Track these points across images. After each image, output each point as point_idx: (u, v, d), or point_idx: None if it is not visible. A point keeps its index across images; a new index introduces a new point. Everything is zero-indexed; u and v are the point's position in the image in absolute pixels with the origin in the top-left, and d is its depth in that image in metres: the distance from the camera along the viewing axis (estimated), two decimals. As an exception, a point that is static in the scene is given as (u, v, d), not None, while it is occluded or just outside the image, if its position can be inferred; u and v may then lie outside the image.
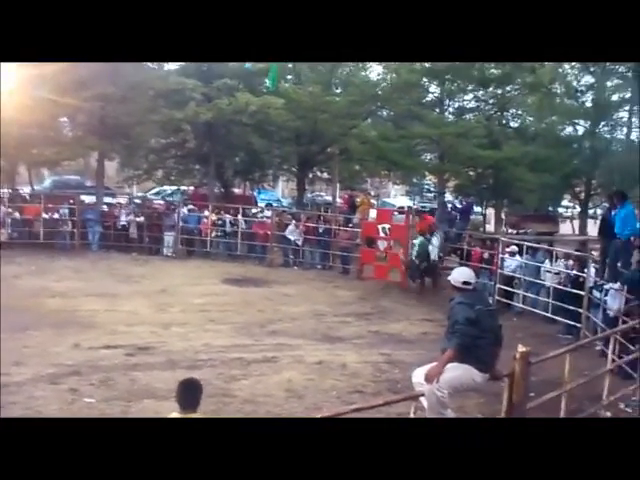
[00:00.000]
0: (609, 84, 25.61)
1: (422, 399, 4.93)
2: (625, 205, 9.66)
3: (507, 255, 13.03)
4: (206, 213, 17.79)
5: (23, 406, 6.37)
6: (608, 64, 23.96)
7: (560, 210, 30.19)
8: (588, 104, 26.14)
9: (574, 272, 11.18)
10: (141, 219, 17.72)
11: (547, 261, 12.29)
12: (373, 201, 27.45)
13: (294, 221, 17.09)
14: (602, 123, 26.33)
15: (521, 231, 24.24)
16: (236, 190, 26.99)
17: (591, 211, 27.03)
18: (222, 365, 8.12)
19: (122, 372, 7.66)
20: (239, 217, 17.45)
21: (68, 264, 14.88)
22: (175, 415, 3.71)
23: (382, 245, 15.69)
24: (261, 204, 26.37)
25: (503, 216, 27.34)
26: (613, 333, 7.04)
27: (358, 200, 21.69)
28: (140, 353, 8.51)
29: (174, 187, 26.12)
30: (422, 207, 30.63)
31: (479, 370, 4.94)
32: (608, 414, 6.42)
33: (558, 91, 25.94)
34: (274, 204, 28.55)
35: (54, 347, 8.46)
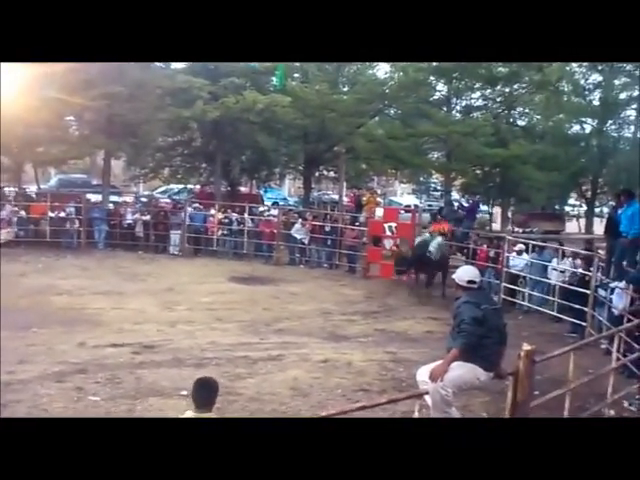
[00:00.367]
0: (617, 82, 25.51)
1: (426, 397, 4.94)
2: (632, 203, 9.62)
3: (514, 254, 13.00)
4: (212, 212, 17.83)
5: (28, 404, 6.40)
6: (616, 63, 23.84)
7: (567, 209, 30.08)
8: (595, 102, 26.06)
9: (580, 271, 11.15)
10: (147, 218, 17.79)
11: (554, 259, 12.26)
12: (379, 199, 27.43)
13: (300, 220, 17.11)
14: (609, 121, 26.25)
15: (527, 229, 24.20)
16: (242, 189, 27.05)
17: (597, 210, 26.94)
18: (228, 363, 8.14)
19: (128, 370, 7.69)
20: (245, 215, 17.49)
21: (74, 262, 14.96)
22: (190, 413, 3.74)
23: (388, 244, 15.69)
24: (268, 203, 26.42)
25: (510, 215, 27.28)
26: (618, 332, 7.01)
27: (364, 199, 21.69)
28: (146, 351, 8.54)
29: (181, 185, 26.19)
30: (429, 206, 30.64)
31: (484, 369, 4.95)
32: (612, 412, 6.40)
33: (565, 89, 25.87)
34: (281, 203, 28.60)
35: (60, 345, 8.51)
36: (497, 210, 28.69)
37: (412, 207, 23.98)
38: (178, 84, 18.91)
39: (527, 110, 27.55)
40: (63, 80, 15.72)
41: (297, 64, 22.19)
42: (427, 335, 10.11)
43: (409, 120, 24.03)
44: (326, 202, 29.45)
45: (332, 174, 27.94)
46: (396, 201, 33.42)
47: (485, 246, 14.33)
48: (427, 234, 14.14)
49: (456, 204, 23.88)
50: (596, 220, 25.74)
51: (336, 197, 28.42)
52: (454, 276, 5.36)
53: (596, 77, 26.28)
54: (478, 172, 26.22)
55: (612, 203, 15.40)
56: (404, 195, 38.40)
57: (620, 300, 9.21)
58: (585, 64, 25.56)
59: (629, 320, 8.06)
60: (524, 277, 12.73)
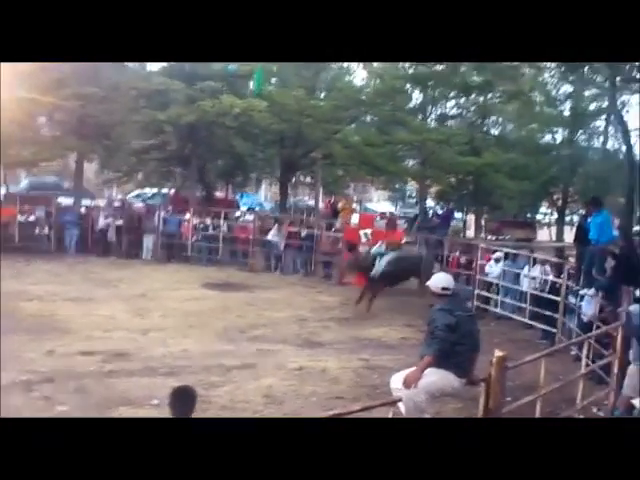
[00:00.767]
0: (587, 93, 26.05)
1: (400, 404, 4.95)
2: (601, 212, 9.80)
3: (492, 261, 13.14)
4: (187, 216, 17.69)
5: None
6: (586, 74, 24.33)
7: (538, 217, 30.57)
8: (566, 113, 26.58)
9: (551, 278, 11.31)
10: (120, 222, 17.57)
11: (526, 267, 12.41)
12: (355, 206, 27.54)
13: (276, 225, 17.08)
14: (580, 132, 26.79)
15: (500, 237, 24.51)
16: (218, 194, 26.90)
17: (568, 218, 27.43)
18: (202, 371, 8.04)
19: (98, 379, 7.54)
20: (221, 221, 17.38)
21: (44, 267, 14.70)
22: None
23: (364, 250, 15.70)
24: (243, 208, 26.33)
25: (483, 222, 27.60)
26: (587, 338, 7.12)
27: (340, 205, 21.74)
28: (117, 359, 8.38)
29: (155, 190, 25.95)
30: (404, 213, 30.84)
31: (457, 375, 4.99)
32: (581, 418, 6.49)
33: (538, 99, 26.31)
34: (256, 208, 28.52)
35: (28, 353, 8.32)
36: (471, 218, 29.01)
37: (388, 214, 24.11)
38: (154, 86, 18.74)
39: (500, 119, 27.97)
40: (34, 79, 15.46)
41: (274, 69, 22.19)
42: (402, 342, 10.14)
43: (385, 127, 24.16)
44: (302, 208, 29.46)
45: (308, 180, 27.98)
46: (372, 208, 33.58)
47: (458, 253, 14.47)
48: (381, 246, 13.37)
49: (431, 212, 24.10)
50: (566, 228, 26.19)
51: (312, 203, 28.45)
52: (428, 283, 5.39)
53: (567, 88, 26.83)
54: (452, 180, 26.47)
55: (582, 212, 15.67)
56: (380, 202, 38.60)
57: (589, 307, 9.35)
58: (556, 75, 26.07)
59: (598, 327, 8.20)
60: (497, 284, 12.86)
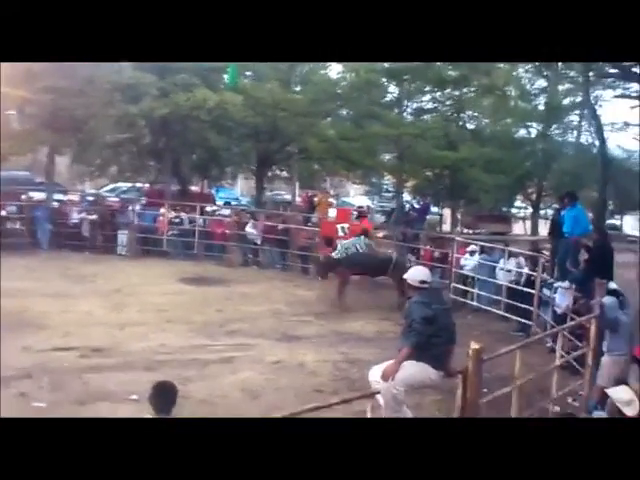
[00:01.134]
0: (561, 88, 26.39)
1: (379, 397, 4.99)
2: (575, 205, 9.98)
3: (467, 255, 13.28)
4: (162, 211, 17.53)
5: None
6: (560, 69, 24.65)
7: (513, 210, 30.93)
8: (541, 107, 26.90)
9: (526, 271, 11.47)
10: (94, 217, 17.34)
11: (501, 260, 12.57)
12: (332, 200, 27.56)
13: (252, 220, 17.02)
14: (554, 126, 27.13)
15: (476, 231, 24.76)
16: (193, 188, 26.69)
17: (542, 212, 27.82)
18: (179, 366, 8.00)
19: (75, 375, 7.47)
20: (196, 215, 17.26)
21: (18, 263, 14.41)
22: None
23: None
24: (219, 202, 26.16)
25: (459, 216, 27.85)
26: (561, 330, 7.25)
27: (317, 199, 21.75)
28: (94, 355, 8.32)
29: (129, 184, 25.64)
30: (381, 207, 30.97)
31: (434, 368, 5.04)
32: (557, 408, 6.61)
33: (512, 94, 26.58)
34: (233, 202, 28.36)
35: (3, 349, 8.17)
36: (447, 212, 29.23)
37: (364, 208, 24.18)
38: (125, 80, 18.48)
39: (476, 114, 28.19)
40: (4, 72, 15.13)
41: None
42: (379, 335, 10.20)
43: (361, 121, 24.21)
44: (279, 202, 29.39)
45: (285, 174, 27.92)
46: (349, 202, 33.64)
47: (433, 247, 14.59)
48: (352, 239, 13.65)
49: (407, 206, 24.26)
50: (541, 222, 26.56)
51: (289, 197, 28.41)
52: (405, 276, 5.43)
53: (541, 82, 27.15)
54: (429, 174, 26.66)
55: (556, 205, 15.90)
56: (356, 196, 38.68)
57: (563, 299, 9.51)
58: (531, 69, 26.36)
59: (572, 319, 8.35)
60: (473, 277, 13.00)
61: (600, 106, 25.80)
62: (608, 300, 6.81)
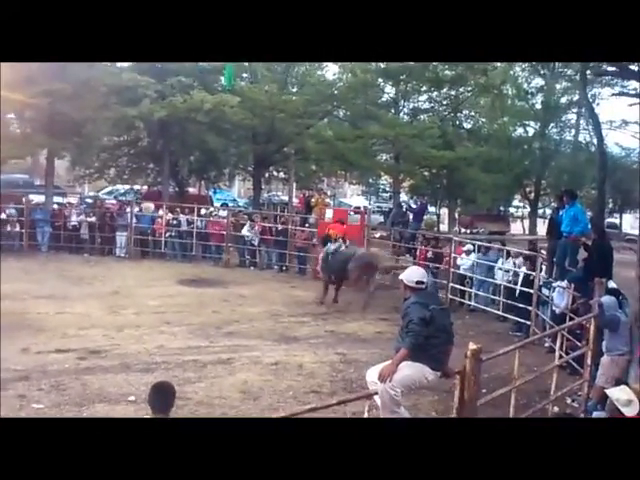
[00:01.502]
0: (558, 86, 26.40)
1: (376, 398, 4.98)
2: (574, 204, 9.96)
3: (463, 254, 13.28)
4: (160, 213, 17.52)
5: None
6: (557, 67, 24.67)
7: (511, 210, 30.94)
8: (538, 106, 26.91)
9: (524, 270, 11.46)
10: (93, 219, 17.34)
11: (500, 260, 12.56)
12: (329, 201, 27.55)
13: (249, 221, 17.01)
14: (551, 125, 27.15)
15: (474, 230, 24.76)
16: (191, 190, 26.69)
17: (540, 211, 27.82)
18: (177, 367, 8.01)
19: (73, 376, 7.47)
20: (194, 217, 17.25)
21: (17, 265, 14.41)
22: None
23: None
24: (217, 204, 26.16)
25: (456, 216, 27.85)
26: (560, 330, 7.25)
27: (313, 200, 21.74)
28: (92, 357, 8.31)
29: (127, 186, 25.66)
30: (378, 207, 30.98)
31: (432, 368, 5.03)
32: (556, 409, 6.61)
33: (509, 93, 26.60)
34: (230, 204, 28.36)
35: (2, 351, 8.18)
36: (444, 211, 29.24)
37: (361, 208, 24.18)
38: (124, 82, 18.49)
39: (473, 113, 28.22)
40: (2, 76, 15.13)
41: (246, 64, 22.07)
42: (377, 336, 10.20)
43: (358, 122, 24.23)
44: (276, 203, 29.39)
45: (282, 175, 27.92)
46: (345, 202, 33.67)
47: (432, 247, 14.58)
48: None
49: (404, 206, 24.22)
50: (539, 221, 26.56)
51: (286, 198, 28.40)
52: (402, 277, 5.40)
53: (538, 81, 27.17)
54: (426, 174, 26.68)
55: (554, 204, 15.89)
56: (353, 196, 38.70)
57: (561, 299, 9.51)
58: (528, 68, 26.37)
59: (571, 318, 8.34)
60: (470, 277, 13.00)
61: (598, 104, 25.82)
62: (607, 299, 6.79)
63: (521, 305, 10.90)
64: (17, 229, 16.66)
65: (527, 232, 26.98)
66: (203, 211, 18.09)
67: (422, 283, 5.29)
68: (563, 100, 27.10)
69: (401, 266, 14.11)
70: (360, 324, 11.03)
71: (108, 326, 9.87)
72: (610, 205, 29.52)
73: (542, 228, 21.91)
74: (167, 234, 17.03)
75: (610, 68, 19.80)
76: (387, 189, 32.41)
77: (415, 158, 23.76)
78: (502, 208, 30.32)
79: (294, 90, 24.51)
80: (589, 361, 6.55)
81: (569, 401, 7.17)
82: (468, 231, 24.97)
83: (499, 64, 23.77)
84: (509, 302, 11.46)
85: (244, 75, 23.43)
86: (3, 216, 16.58)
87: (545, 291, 10.38)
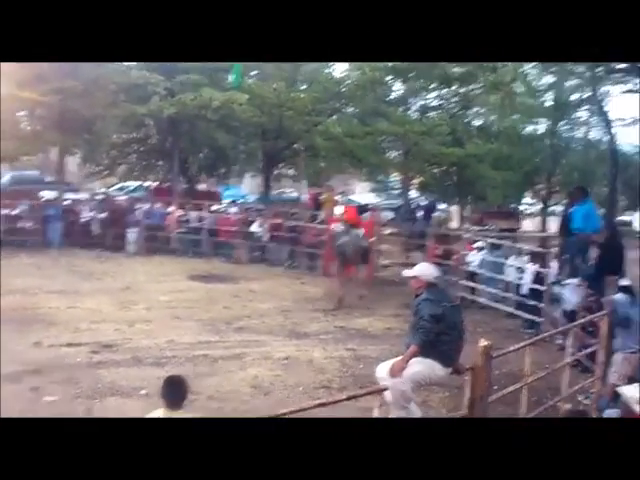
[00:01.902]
0: (568, 84, 26.23)
1: (386, 393, 4.99)
2: (586, 201, 9.90)
3: (474, 251, 13.23)
4: (170, 209, 17.59)
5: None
6: (567, 65, 24.50)
7: (522, 207, 30.76)
8: (548, 103, 26.75)
9: (535, 267, 11.40)
10: (104, 215, 17.44)
11: (511, 257, 12.50)
12: (338, 198, 27.51)
13: (259, 218, 17.05)
14: (562, 122, 26.99)
15: (484, 228, 24.66)
16: (201, 186, 26.76)
17: (551, 208, 27.67)
18: (187, 362, 8.07)
19: (85, 370, 7.55)
20: (204, 213, 17.30)
21: (28, 261, 14.56)
22: (160, 412, 3.72)
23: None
24: (226, 200, 26.21)
25: (466, 213, 27.74)
26: (572, 327, 7.22)
27: (323, 197, 21.72)
28: (104, 350, 8.39)
29: (137, 183, 25.77)
30: (388, 204, 30.91)
31: (442, 365, 5.02)
32: (567, 406, 6.58)
33: (519, 90, 26.46)
34: (240, 200, 28.39)
35: (14, 345, 8.25)
36: (454, 209, 29.13)
37: (371, 206, 24.14)
38: (133, 80, 18.57)
39: (482, 110, 28.06)
40: (14, 75, 15.26)
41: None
42: (387, 332, 10.20)
43: (367, 119, 24.15)
44: (286, 200, 29.38)
45: (291, 172, 27.92)
46: (355, 199, 33.57)
47: (439, 244, 14.56)
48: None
49: (414, 203, 24.22)
50: (550, 218, 26.43)
51: (295, 195, 28.41)
52: (415, 273, 5.38)
53: (548, 79, 26.98)
54: (435, 171, 26.58)
55: (565, 202, 15.81)
56: (363, 194, 38.60)
57: (572, 296, 9.46)
58: (538, 65, 26.19)
59: (583, 316, 8.30)
60: (481, 274, 12.95)
61: (609, 101, 25.63)
62: (619, 297, 6.77)
63: (532, 302, 10.85)
64: (29, 225, 16.77)
65: (538, 229, 26.85)
66: (218, 206, 18.15)
67: (436, 280, 5.30)
68: (574, 97, 26.91)
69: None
70: (370, 320, 11.04)
71: (119, 321, 9.94)
72: (622, 202, 29.32)
73: (553, 225, 21.83)
74: (177, 230, 17.10)
75: (621, 65, 19.68)
76: (396, 186, 32.32)
77: (424, 155, 23.68)
78: (513, 205, 30.16)
79: (303, 87, 24.48)
80: (601, 359, 6.53)
81: (581, 399, 7.14)
82: (478, 228, 24.86)
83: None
84: (520, 299, 11.41)
85: (252, 73, 23.44)
86: (15, 212, 16.71)
87: (556, 288, 10.33)
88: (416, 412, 5.16)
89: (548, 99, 26.95)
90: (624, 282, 7.56)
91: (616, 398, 5.30)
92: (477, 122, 27.94)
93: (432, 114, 25.91)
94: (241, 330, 9.92)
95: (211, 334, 9.55)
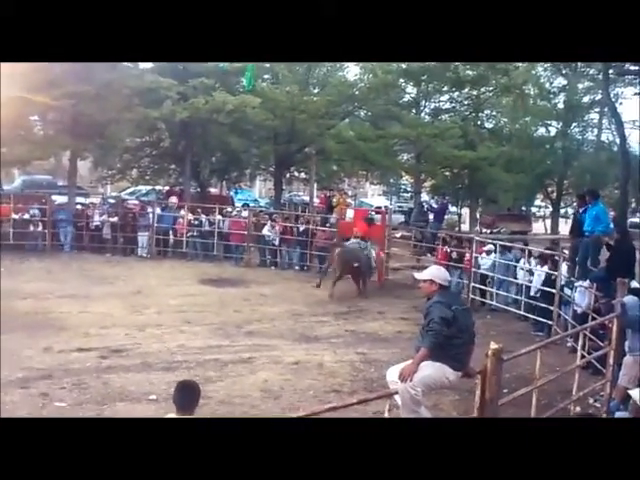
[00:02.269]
0: (580, 86, 26.11)
1: (397, 397, 4.97)
2: (597, 203, 9.84)
3: (484, 254, 13.16)
4: (182, 213, 17.65)
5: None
6: (579, 66, 24.38)
7: (533, 209, 30.62)
8: (560, 106, 26.64)
9: (546, 270, 11.33)
10: (115, 219, 17.52)
11: (522, 260, 12.42)
12: (350, 201, 27.52)
13: (270, 221, 17.06)
14: (573, 124, 26.85)
15: (495, 230, 24.55)
16: (212, 190, 26.85)
17: (562, 210, 27.51)
18: (198, 366, 8.07)
19: (95, 375, 7.56)
20: (216, 217, 17.34)
21: (39, 265, 14.66)
22: (171, 416, 3.72)
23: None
24: (238, 204, 26.28)
25: (478, 215, 27.65)
26: (582, 330, 7.15)
27: (335, 200, 21.73)
28: (114, 355, 8.41)
29: (149, 187, 25.90)
30: (399, 207, 30.88)
31: (453, 368, 4.99)
32: (578, 409, 6.53)
33: (531, 93, 26.38)
34: (251, 204, 28.47)
35: (24, 350, 8.31)
36: (466, 211, 29.04)
37: (382, 208, 24.10)
38: (146, 84, 18.66)
39: (494, 113, 28.02)
40: (26, 79, 15.38)
41: (267, 65, 22.15)
42: (397, 335, 10.17)
43: (379, 122, 24.18)
44: (297, 203, 29.42)
45: (303, 175, 27.96)
46: (367, 202, 33.56)
47: (451, 246, 14.48)
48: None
49: (425, 205, 24.13)
50: (561, 221, 26.26)
51: (307, 198, 28.43)
52: (426, 276, 5.34)
53: (560, 81, 26.89)
54: (447, 174, 26.56)
55: (576, 204, 15.69)
56: (375, 196, 38.58)
57: (583, 298, 9.39)
58: (550, 68, 26.11)
59: (593, 318, 8.24)
60: (492, 277, 12.88)
61: (621, 104, 25.43)
62: (630, 299, 6.69)
63: (543, 305, 10.78)
64: (40, 229, 16.89)
65: (549, 232, 26.70)
66: (225, 211, 18.18)
67: (446, 283, 5.29)
68: (585, 99, 26.79)
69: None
70: (380, 323, 11.01)
71: (130, 325, 9.96)
72: (633, 205, 29.07)
73: (564, 228, 21.67)
74: (188, 234, 17.15)
75: (633, 67, 19.53)
76: (408, 189, 32.29)
77: (436, 158, 23.66)
78: (524, 208, 30.01)
79: (315, 91, 24.54)
80: (611, 361, 6.46)
81: (591, 401, 7.08)
82: (489, 231, 24.75)
83: (521, 64, 23.57)
84: (530, 302, 11.34)
85: (265, 76, 23.51)
86: (27, 216, 16.84)
87: (567, 291, 10.26)
88: (426, 415, 5.13)
89: (560, 101, 26.82)
90: (635, 284, 7.49)
91: (626, 400, 5.25)
92: (489, 125, 27.91)
93: (444, 117, 25.93)
94: (251, 334, 9.92)
95: (221, 338, 9.55)
